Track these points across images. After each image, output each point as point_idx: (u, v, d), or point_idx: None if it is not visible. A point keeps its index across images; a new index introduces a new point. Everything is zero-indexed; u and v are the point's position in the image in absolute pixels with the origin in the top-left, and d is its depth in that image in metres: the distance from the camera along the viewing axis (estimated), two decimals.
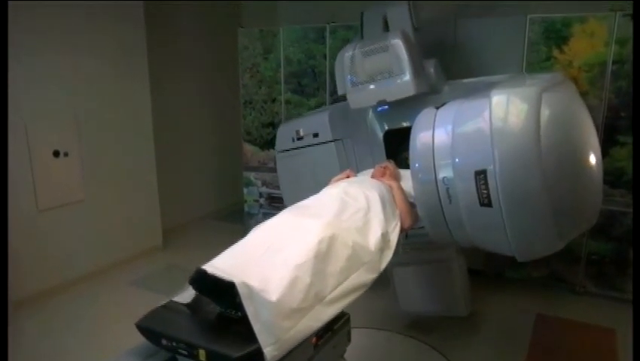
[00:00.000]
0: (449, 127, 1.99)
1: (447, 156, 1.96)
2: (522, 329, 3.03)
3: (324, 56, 3.96)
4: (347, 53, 2.83)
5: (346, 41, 3.77)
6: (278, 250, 1.57)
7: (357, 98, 2.84)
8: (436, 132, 2.04)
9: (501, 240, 1.87)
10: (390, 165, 2.46)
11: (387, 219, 1.94)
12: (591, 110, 2.98)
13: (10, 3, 2.75)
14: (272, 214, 1.87)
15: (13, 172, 3.17)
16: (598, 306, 3.32)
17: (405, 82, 2.67)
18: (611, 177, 3.17)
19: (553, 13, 3.22)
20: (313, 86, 4.06)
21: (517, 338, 2.95)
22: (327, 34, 3.94)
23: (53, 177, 3.44)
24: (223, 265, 1.48)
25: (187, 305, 1.56)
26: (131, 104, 4.01)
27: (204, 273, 1.42)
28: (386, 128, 3.09)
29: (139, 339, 1.50)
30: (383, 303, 3.15)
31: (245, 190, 4.50)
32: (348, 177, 2.38)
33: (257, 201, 4.47)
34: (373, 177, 2.35)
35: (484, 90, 1.96)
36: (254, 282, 1.38)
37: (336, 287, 1.58)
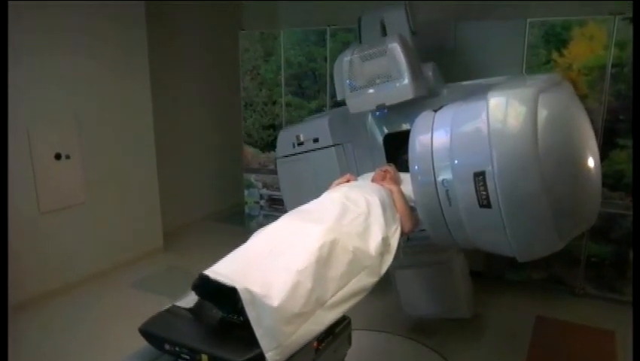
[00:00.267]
0: (448, 129, 2.01)
1: (446, 158, 1.98)
2: (521, 331, 3.04)
3: (325, 59, 3.98)
4: (345, 58, 2.84)
5: (347, 44, 3.79)
6: (280, 255, 1.58)
7: (356, 103, 2.85)
8: (434, 135, 2.06)
9: (501, 240, 1.88)
10: (390, 168, 2.47)
11: (387, 224, 1.95)
12: (590, 113, 3.02)
13: (10, 3, 2.75)
14: (273, 216, 1.89)
15: (16, 175, 3.19)
16: (598, 308, 3.33)
17: (403, 86, 2.69)
18: (611, 179, 3.19)
19: (553, 17, 3.23)
20: (314, 89, 4.07)
21: (517, 340, 2.96)
22: (328, 36, 3.95)
23: (54, 179, 3.45)
24: (225, 270, 1.49)
25: (190, 310, 1.58)
26: (132, 106, 4.02)
27: (206, 278, 1.43)
28: (386, 131, 3.10)
29: (141, 341, 1.52)
30: (383, 305, 3.17)
31: (246, 192, 4.51)
32: (348, 180, 2.39)
33: (257, 202, 4.48)
34: (373, 180, 2.36)
35: (482, 92, 1.97)
36: (256, 287, 1.40)
37: (337, 292, 1.59)
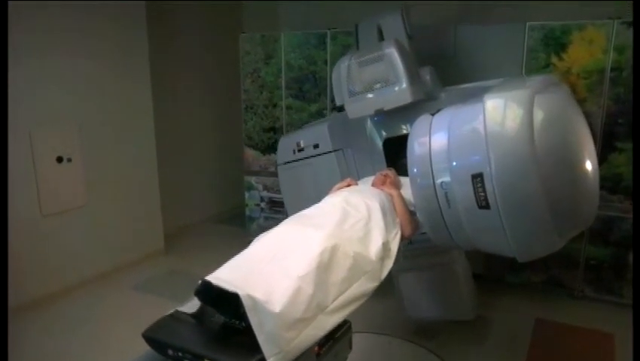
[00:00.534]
0: (445, 132, 2.03)
1: (444, 160, 1.99)
2: (521, 334, 3.06)
3: (325, 62, 3.99)
4: (343, 64, 2.86)
5: (347, 47, 3.80)
6: (281, 260, 1.60)
7: (355, 108, 2.87)
8: (432, 138, 2.07)
9: (501, 241, 1.90)
10: (390, 173, 2.48)
11: (387, 229, 1.96)
12: (589, 116, 3.06)
13: (10, 3, 2.75)
14: (273, 218, 1.90)
15: (18, 178, 3.20)
16: (597, 311, 3.35)
17: (402, 90, 2.70)
18: (610, 182, 3.21)
19: (552, 21, 3.25)
20: (314, 92, 4.09)
21: (516, 342, 2.98)
22: (328, 40, 3.96)
23: (56, 182, 3.47)
24: (227, 276, 1.50)
25: (193, 315, 1.59)
26: (132, 107, 4.03)
27: (209, 284, 1.45)
28: (385, 136, 3.12)
29: (141, 343, 1.54)
30: (383, 308, 3.19)
31: (247, 194, 4.53)
32: (349, 185, 2.40)
33: (258, 205, 4.50)
34: (373, 185, 2.37)
35: (480, 95, 1.99)
36: (258, 293, 1.41)
37: (337, 297, 1.61)
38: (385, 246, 1.89)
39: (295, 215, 2.01)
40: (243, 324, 1.45)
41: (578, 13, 3.32)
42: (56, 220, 3.50)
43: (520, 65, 3.33)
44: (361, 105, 2.84)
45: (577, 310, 3.36)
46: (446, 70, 3.27)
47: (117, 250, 3.98)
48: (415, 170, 2.11)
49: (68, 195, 3.58)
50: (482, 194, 1.86)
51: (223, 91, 5.20)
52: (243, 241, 1.76)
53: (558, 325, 3.18)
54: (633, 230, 3.17)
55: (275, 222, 1.89)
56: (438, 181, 2.01)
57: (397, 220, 2.11)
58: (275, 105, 4.28)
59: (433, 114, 2.19)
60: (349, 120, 2.99)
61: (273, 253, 1.65)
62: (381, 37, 3.14)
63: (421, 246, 2.70)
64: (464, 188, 1.91)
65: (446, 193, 1.99)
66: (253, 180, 4.47)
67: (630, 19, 3.03)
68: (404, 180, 2.43)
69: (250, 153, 4.46)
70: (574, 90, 3.08)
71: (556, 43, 3.23)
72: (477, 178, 1.86)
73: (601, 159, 3.17)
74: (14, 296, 3.04)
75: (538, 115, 1.82)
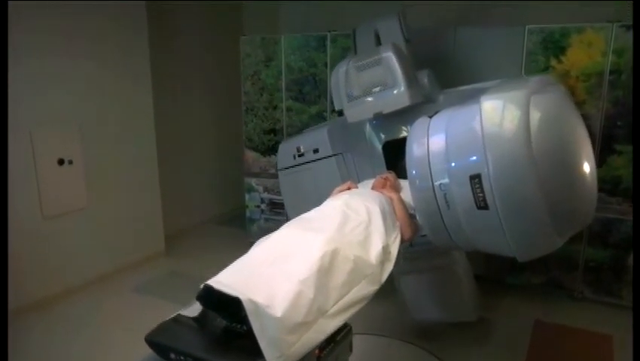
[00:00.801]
0: (443, 134, 2.04)
1: (442, 162, 2.01)
2: (520, 335, 3.08)
3: (325, 64, 4.00)
4: (341, 69, 2.88)
5: (347, 49, 3.82)
6: (282, 264, 1.61)
7: (354, 112, 2.88)
8: (430, 140, 2.09)
9: (500, 241, 1.91)
10: (390, 176, 2.50)
11: (387, 232, 1.98)
12: (588, 119, 3.07)
13: (10, 3, 2.76)
14: (274, 220, 1.91)
15: (19, 181, 3.21)
16: (596, 312, 3.36)
17: (400, 93, 2.72)
18: (609, 185, 3.22)
19: (551, 24, 3.26)
20: (314, 94, 4.10)
21: (516, 344, 2.99)
22: (328, 42, 3.97)
23: (57, 184, 3.48)
24: (228, 280, 1.52)
25: (195, 319, 1.60)
26: (133, 109, 4.03)
27: (210, 289, 1.46)
28: (384, 139, 3.13)
29: (142, 345, 1.55)
30: (383, 309, 3.19)
31: (247, 196, 4.54)
32: (349, 188, 2.42)
33: (258, 206, 4.51)
34: (373, 188, 2.39)
35: (477, 96, 2.01)
36: (260, 298, 1.42)
37: (338, 300, 1.62)
38: (386, 249, 1.90)
39: (296, 218, 2.02)
40: (244, 328, 1.47)
41: (577, 15, 3.34)
42: (56, 222, 3.51)
43: (519, 68, 3.35)
44: (360, 109, 2.85)
45: (576, 312, 3.37)
46: (445, 72, 3.28)
47: (117, 251, 3.99)
48: (414, 172, 2.12)
49: (68, 197, 3.59)
50: (480, 195, 1.87)
51: (223, 92, 5.21)
52: (243, 242, 1.78)
53: (557, 326, 3.19)
54: (633, 232, 3.18)
55: (276, 223, 1.91)
56: (437, 183, 2.02)
57: (397, 223, 2.13)
58: (275, 107, 4.29)
59: (431, 116, 2.20)
60: (348, 124, 3.00)
61: (274, 256, 1.66)
62: (378, 42, 3.15)
63: (421, 248, 2.71)
64: (462, 189, 1.92)
65: (445, 195, 2.00)
66: (253, 181, 4.48)
67: (629, 22, 3.05)
68: (404, 183, 2.45)
69: (250, 155, 4.47)
70: (573, 93, 3.09)
71: (555, 46, 3.25)
72: (475, 179, 1.88)
73: (601, 162, 3.18)
74: (15, 298, 3.05)
75: (535, 115, 1.83)
